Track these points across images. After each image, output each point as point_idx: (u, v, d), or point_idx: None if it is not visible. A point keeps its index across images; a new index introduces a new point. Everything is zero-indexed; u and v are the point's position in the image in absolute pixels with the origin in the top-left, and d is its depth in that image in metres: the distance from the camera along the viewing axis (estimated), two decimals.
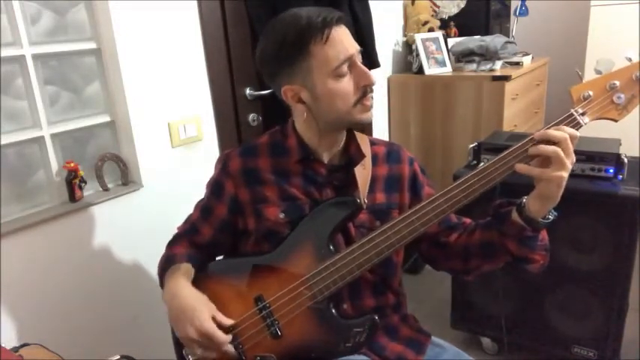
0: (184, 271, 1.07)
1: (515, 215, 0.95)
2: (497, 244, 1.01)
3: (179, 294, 1.00)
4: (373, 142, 1.13)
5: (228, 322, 1.00)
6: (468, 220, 1.13)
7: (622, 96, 0.90)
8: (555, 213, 0.94)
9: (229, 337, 0.99)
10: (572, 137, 0.87)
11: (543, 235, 0.98)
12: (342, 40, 0.95)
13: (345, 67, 0.95)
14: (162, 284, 1.11)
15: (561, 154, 0.85)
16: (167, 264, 1.11)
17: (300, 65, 0.95)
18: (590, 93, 0.91)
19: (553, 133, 0.87)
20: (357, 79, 0.97)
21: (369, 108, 1.00)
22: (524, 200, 0.94)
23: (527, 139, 0.90)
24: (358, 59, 0.98)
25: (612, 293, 1.62)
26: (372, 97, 1.00)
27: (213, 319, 0.97)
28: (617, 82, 0.90)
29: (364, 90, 0.98)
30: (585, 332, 1.70)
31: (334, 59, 0.94)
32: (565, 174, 0.86)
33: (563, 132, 0.86)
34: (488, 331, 1.94)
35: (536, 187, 0.90)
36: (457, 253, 1.09)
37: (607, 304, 1.64)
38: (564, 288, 1.71)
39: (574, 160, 0.87)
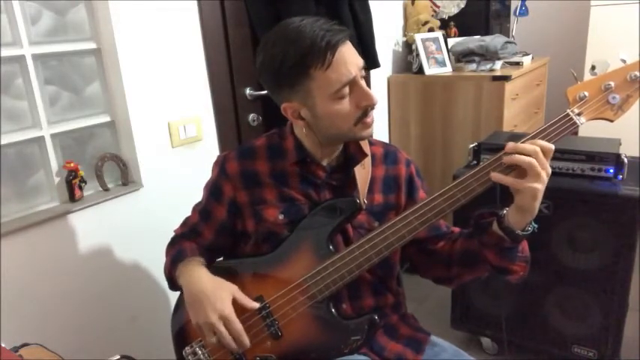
0: (201, 262, 1.07)
1: (495, 226, 0.95)
2: (477, 254, 1.01)
3: (201, 279, 1.01)
4: (371, 143, 1.13)
5: (250, 303, 0.99)
6: (456, 229, 1.13)
7: (617, 96, 0.91)
8: (535, 225, 0.94)
9: (258, 309, 0.99)
10: (546, 150, 0.87)
11: (524, 246, 0.99)
12: (346, 61, 0.92)
13: (346, 90, 0.93)
14: (172, 279, 1.12)
15: (536, 165, 0.85)
16: (178, 257, 1.10)
17: (300, 86, 0.94)
18: (586, 94, 0.92)
19: (523, 145, 0.87)
20: (358, 100, 0.95)
21: (369, 125, 0.99)
22: (504, 211, 0.94)
23: (501, 153, 0.90)
24: (360, 76, 0.95)
25: (612, 293, 1.62)
26: (372, 115, 0.99)
27: (234, 301, 0.98)
28: (612, 83, 0.91)
29: (365, 109, 0.96)
30: (585, 332, 1.70)
31: (336, 82, 0.92)
32: (539, 186, 0.86)
33: (535, 145, 0.87)
34: (489, 331, 1.94)
35: (514, 198, 0.90)
36: (440, 260, 1.09)
37: (607, 304, 1.64)
38: (564, 288, 1.71)
39: (549, 172, 0.87)
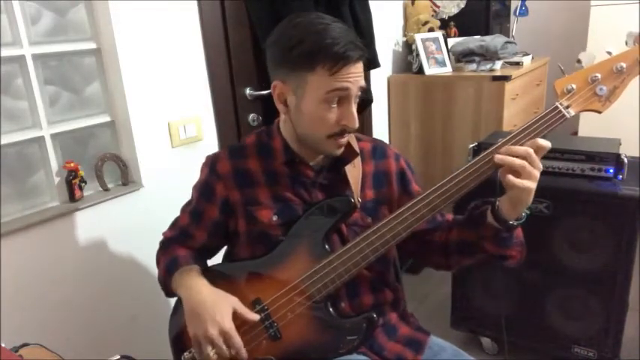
0: (198, 271, 1.06)
1: (490, 217, 0.97)
2: (474, 245, 1.02)
3: (201, 291, 1.00)
4: (359, 139, 1.13)
5: (251, 315, 0.98)
6: (449, 216, 1.14)
7: (604, 88, 0.92)
8: (528, 212, 0.95)
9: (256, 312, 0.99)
10: (541, 148, 0.89)
11: (518, 232, 1.00)
12: (349, 76, 0.93)
13: (336, 100, 0.94)
14: (167, 287, 1.10)
15: (528, 166, 0.87)
16: (172, 266, 1.09)
17: (299, 73, 0.94)
18: (573, 86, 0.93)
19: (516, 149, 0.89)
20: (341, 117, 0.96)
21: (342, 145, 1.00)
22: (497, 202, 0.95)
23: (493, 148, 0.91)
24: (355, 96, 0.96)
25: (612, 293, 1.62)
26: (347, 137, 1.00)
27: (235, 312, 0.97)
28: (599, 75, 0.92)
29: (343, 129, 0.97)
30: (585, 332, 1.70)
31: (331, 87, 0.93)
32: (533, 184, 0.88)
33: (527, 147, 0.89)
34: (488, 331, 1.94)
35: (507, 192, 0.92)
36: (437, 250, 1.10)
37: (607, 304, 1.64)
38: (564, 288, 1.71)
39: (541, 168, 0.89)
